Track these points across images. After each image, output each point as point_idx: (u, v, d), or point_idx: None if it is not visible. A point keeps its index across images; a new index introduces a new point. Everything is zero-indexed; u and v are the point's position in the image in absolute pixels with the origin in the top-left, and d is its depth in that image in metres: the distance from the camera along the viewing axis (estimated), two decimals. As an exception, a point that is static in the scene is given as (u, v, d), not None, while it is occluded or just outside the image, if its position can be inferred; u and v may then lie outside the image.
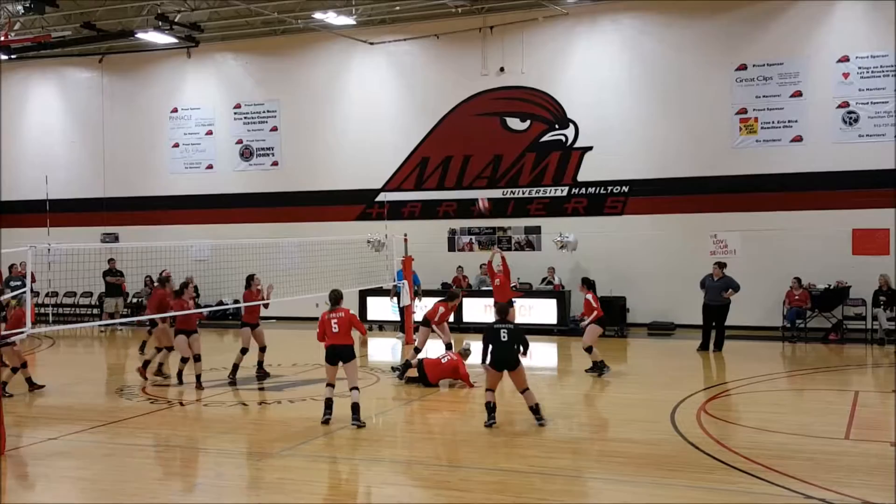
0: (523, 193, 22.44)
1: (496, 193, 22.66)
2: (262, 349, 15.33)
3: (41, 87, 27.60)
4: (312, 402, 12.96)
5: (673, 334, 20.56)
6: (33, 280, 14.15)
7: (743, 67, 20.68)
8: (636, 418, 11.99)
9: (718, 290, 17.81)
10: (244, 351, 15.02)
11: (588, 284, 15.37)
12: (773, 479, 8.71)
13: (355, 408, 11.35)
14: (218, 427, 11.99)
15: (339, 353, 11.53)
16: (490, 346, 11.39)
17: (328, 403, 11.53)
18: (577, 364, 18.31)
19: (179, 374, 14.65)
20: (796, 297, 19.58)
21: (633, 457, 9.88)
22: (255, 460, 10.23)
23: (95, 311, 24.58)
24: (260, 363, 15.36)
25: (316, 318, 21.22)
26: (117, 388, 14.77)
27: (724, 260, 18.69)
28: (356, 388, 11.47)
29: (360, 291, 21.52)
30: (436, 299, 19.96)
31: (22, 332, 14.08)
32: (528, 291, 21.24)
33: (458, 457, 10.11)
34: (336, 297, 11.82)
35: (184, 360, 14.52)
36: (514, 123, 22.54)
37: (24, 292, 13.97)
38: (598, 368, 15.05)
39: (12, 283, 20.16)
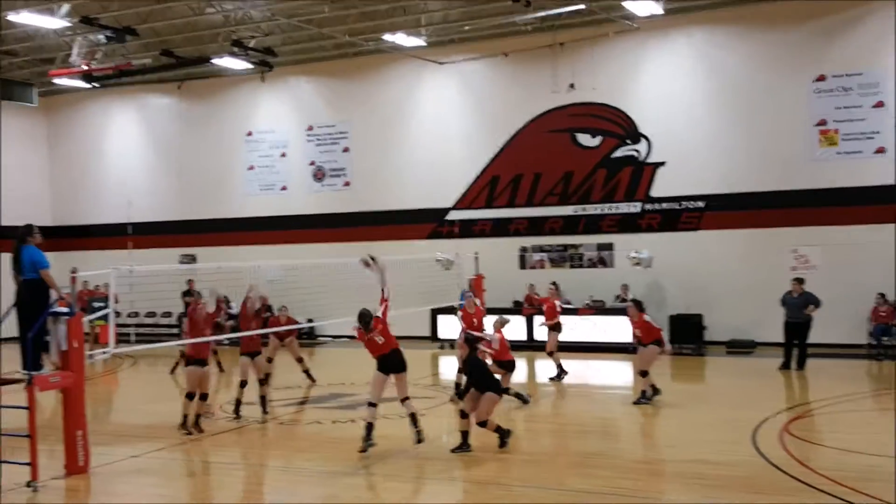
0: (595, 210, 22.22)
1: (567, 210, 22.48)
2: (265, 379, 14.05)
3: (122, 114, 28.49)
4: (385, 420, 12.98)
5: (753, 352, 20.03)
6: (116, 301, 14.56)
7: (822, 78, 20.16)
8: (715, 439, 11.69)
9: (799, 306, 17.31)
10: (244, 384, 13.82)
11: (640, 306, 14.55)
12: (860, 503, 8.37)
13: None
14: (293, 445, 12.10)
15: (394, 361, 11.19)
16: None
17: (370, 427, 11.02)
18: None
19: (238, 404, 13.89)
20: (882, 314, 18.90)
21: (712, 478, 9.61)
22: (330, 479, 10.28)
23: (175, 330, 25.13)
24: (263, 397, 13.93)
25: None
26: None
27: (805, 275, 18.17)
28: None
29: (432, 310, 21.55)
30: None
31: (105, 352, 14.48)
32: (600, 309, 20.97)
33: (531, 476, 9.98)
34: (367, 319, 11.27)
35: (242, 385, 13.76)
36: (585, 140, 22.37)
37: (108, 312, 14.39)
38: (649, 396, 14.14)
39: (95, 304, 20.79)
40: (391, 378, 11.21)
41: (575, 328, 20.77)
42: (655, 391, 14.16)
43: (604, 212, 22.15)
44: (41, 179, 29.12)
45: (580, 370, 18.97)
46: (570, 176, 22.43)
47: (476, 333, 13.81)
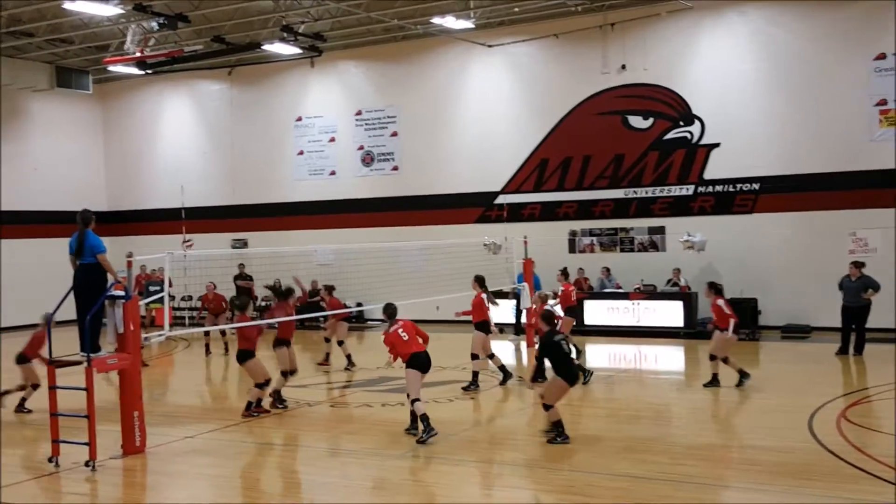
0: (646, 193, 21.94)
1: (618, 193, 22.23)
2: (292, 373, 13.66)
3: (174, 100, 28.87)
4: (435, 403, 13.01)
5: (809, 337, 19.65)
6: (170, 285, 14.80)
7: (882, 56, 19.59)
8: (770, 425, 11.50)
9: (857, 290, 16.91)
10: (285, 374, 13.51)
11: (716, 289, 14.30)
12: (923, 492, 8.17)
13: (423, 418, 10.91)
14: (344, 427, 12.19)
15: (425, 360, 11.06)
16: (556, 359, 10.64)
17: (426, 417, 10.87)
18: (705, 368, 17.78)
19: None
20: (943, 298, 18.39)
21: (768, 465, 9.45)
22: (380, 461, 10.33)
23: (227, 314, 25.45)
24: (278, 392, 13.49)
25: (437, 321, 21.35)
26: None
27: (863, 258, 17.73)
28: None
29: (481, 294, 21.50)
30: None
31: (160, 335, 14.76)
32: (652, 293, 20.75)
33: (582, 461, 9.92)
34: (393, 312, 11.42)
35: (284, 374, 13.50)
36: (637, 122, 22.08)
37: (163, 296, 14.65)
38: (740, 380, 13.91)
39: (151, 288, 21.19)
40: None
41: (626, 312, 20.62)
42: (743, 375, 13.87)
43: (655, 195, 21.86)
44: (96, 165, 29.67)
45: (631, 355, 18.83)
46: (621, 158, 22.17)
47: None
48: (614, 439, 10.87)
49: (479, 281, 14.95)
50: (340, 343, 17.10)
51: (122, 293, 10.51)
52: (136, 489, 9.80)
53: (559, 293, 16.75)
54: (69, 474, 9.85)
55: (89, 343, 10.19)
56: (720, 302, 14.09)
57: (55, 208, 27.12)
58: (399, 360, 11.11)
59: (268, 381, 12.79)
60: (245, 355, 12.58)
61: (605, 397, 14.33)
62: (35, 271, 24.83)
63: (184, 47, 22.04)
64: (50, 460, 10.07)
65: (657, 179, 21.81)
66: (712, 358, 14.10)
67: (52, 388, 10.18)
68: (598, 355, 18.46)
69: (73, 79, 26.48)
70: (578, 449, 10.47)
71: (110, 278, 10.67)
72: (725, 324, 13.85)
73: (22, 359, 13.17)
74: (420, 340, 11.21)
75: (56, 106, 28.23)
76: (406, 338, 11.09)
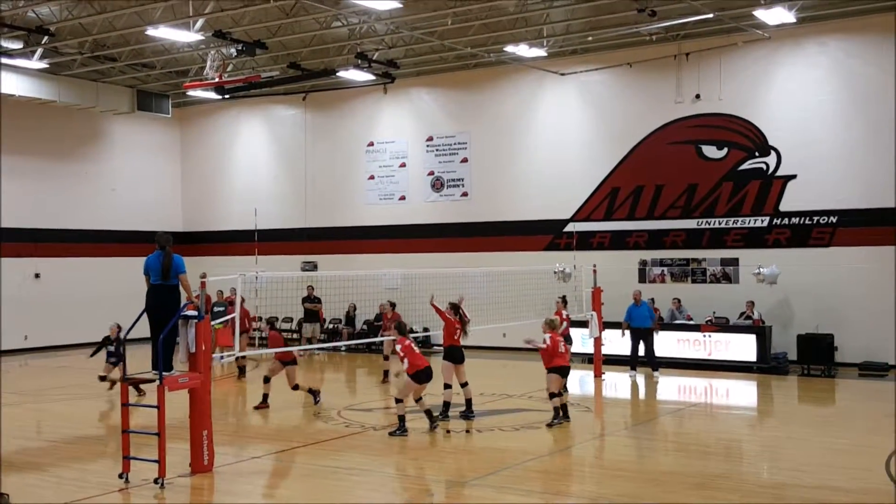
0: (719, 224, 21.54)
1: (690, 224, 21.87)
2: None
3: (250, 125, 29.48)
4: (500, 432, 12.90)
5: (887, 375, 18.96)
6: (243, 306, 15.04)
7: (968, 87, 18.95)
8: (845, 465, 11.10)
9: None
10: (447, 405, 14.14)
11: None
12: None
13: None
14: (408, 453, 12.15)
15: (428, 377, 12.75)
16: None
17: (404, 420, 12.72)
18: (778, 404, 17.30)
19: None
20: None
21: (845, 508, 9.11)
22: (444, 488, 10.26)
23: (295, 335, 25.78)
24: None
25: (503, 348, 21.17)
26: (315, 411, 15.33)
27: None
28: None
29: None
30: (619, 331, 19.56)
31: (231, 355, 14.99)
32: (724, 326, 20.30)
33: (651, 496, 9.69)
34: (404, 329, 13.32)
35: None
36: (711, 151, 21.73)
37: (233, 317, 14.88)
38: None
39: (216, 309, 21.51)
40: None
41: (697, 345, 20.22)
42: None
43: (729, 226, 21.43)
44: (173, 187, 30.43)
45: (702, 388, 18.42)
46: (695, 188, 21.83)
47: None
48: (684, 474, 10.62)
49: (551, 324, 14.29)
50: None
51: (194, 313, 10.68)
52: (202, 508, 9.91)
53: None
54: (138, 491, 10.01)
55: (162, 362, 10.38)
56: None
57: (132, 228, 27.88)
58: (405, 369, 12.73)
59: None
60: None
61: (675, 431, 14.02)
62: (112, 289, 25.48)
63: (261, 73, 22.51)
64: (120, 476, 10.24)
65: (731, 210, 21.39)
66: None
67: (125, 405, 10.38)
68: (667, 388, 18.10)
69: (153, 103, 27.31)
70: (647, 484, 10.24)
71: (183, 298, 10.86)
72: None
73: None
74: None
75: (136, 128, 29.09)
76: (417, 351, 12.91)
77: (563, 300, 18.08)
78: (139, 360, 11.47)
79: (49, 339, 25.61)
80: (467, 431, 13.24)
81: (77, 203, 27.23)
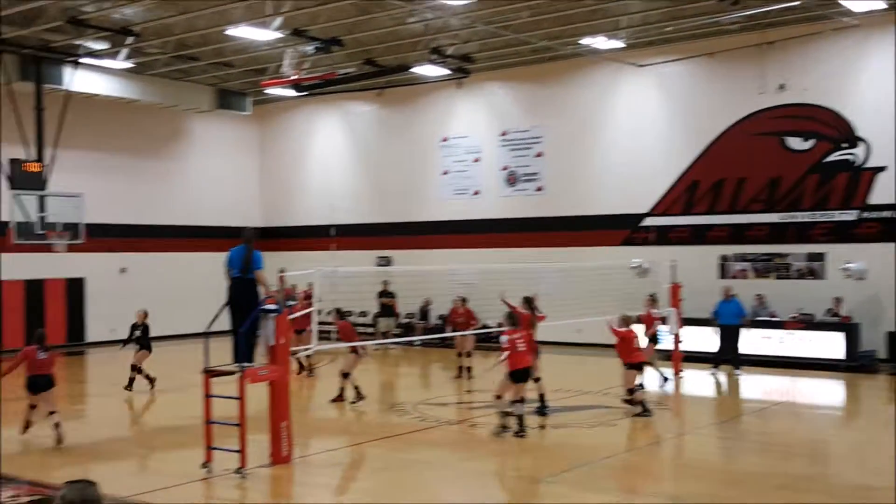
0: (805, 218, 20.88)
1: (774, 218, 21.26)
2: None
3: (326, 121, 29.79)
4: (577, 429, 12.74)
5: (984, 376, 18.13)
6: (306, 299, 15.19)
7: None
8: (942, 469, 10.61)
9: None
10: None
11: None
12: None
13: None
14: (485, 448, 12.09)
15: (526, 376, 12.26)
16: None
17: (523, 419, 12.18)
18: (866, 404, 16.71)
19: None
20: None
21: (942, 514, 8.71)
22: (520, 485, 10.18)
23: (370, 329, 25.99)
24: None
25: (579, 344, 20.95)
26: (390, 405, 15.39)
27: None
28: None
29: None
30: (698, 328, 19.15)
31: (308, 348, 15.17)
32: (809, 323, 19.68)
33: (730, 497, 9.44)
34: (515, 321, 12.65)
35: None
36: (796, 143, 21.07)
37: (309, 311, 15.06)
38: None
39: (289, 303, 21.75)
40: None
41: (781, 342, 19.66)
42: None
43: (815, 219, 20.75)
44: (252, 183, 30.96)
45: (785, 387, 17.91)
46: (778, 181, 21.20)
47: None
48: (766, 475, 10.31)
49: (626, 320, 14.31)
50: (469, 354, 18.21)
51: (274, 307, 10.82)
52: (281, 499, 10.03)
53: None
54: (220, 480, 10.18)
55: (246, 354, 10.54)
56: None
57: (213, 224, 28.48)
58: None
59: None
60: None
61: (757, 431, 13.64)
62: (194, 283, 26.05)
63: (337, 70, 22.71)
64: (203, 466, 10.44)
65: (817, 204, 20.70)
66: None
67: (208, 396, 10.58)
68: (750, 386, 17.65)
69: (233, 101, 27.83)
70: (727, 484, 9.98)
71: (262, 292, 11.00)
72: None
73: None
74: (532, 356, 12.58)
75: (216, 126, 29.69)
76: (522, 349, 12.24)
77: (653, 298, 17.67)
78: (219, 353, 11.64)
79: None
80: (542, 427, 13.11)
81: (160, 199, 27.92)
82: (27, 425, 12.67)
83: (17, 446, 12.31)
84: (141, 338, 17.00)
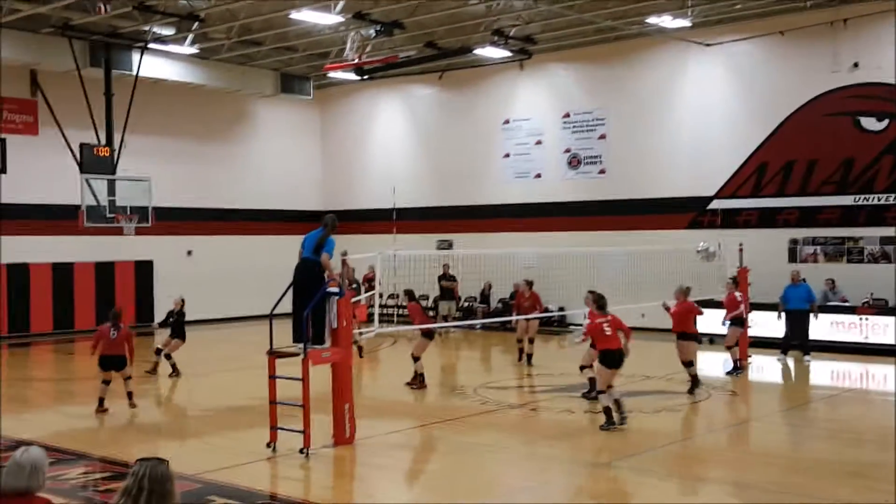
0: (879, 200, 20.24)
1: (846, 200, 20.65)
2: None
3: (387, 105, 29.85)
4: (641, 414, 12.58)
5: None
6: (366, 283, 15.24)
7: None
8: None
9: None
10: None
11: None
12: None
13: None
14: (546, 432, 12.03)
15: (619, 358, 11.62)
16: None
17: (610, 411, 11.59)
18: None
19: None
20: None
21: None
22: (583, 468, 10.10)
23: (431, 313, 26.04)
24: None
25: (642, 328, 20.71)
26: (452, 388, 15.41)
27: None
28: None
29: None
30: (766, 313, 18.71)
31: (370, 331, 15.25)
32: (882, 308, 19.11)
33: (800, 485, 9.22)
34: (603, 304, 12.09)
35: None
36: (870, 123, 20.41)
37: (373, 293, 15.14)
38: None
39: (353, 286, 21.92)
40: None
41: (853, 328, 19.14)
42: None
43: (890, 202, 20.11)
44: (314, 167, 31.22)
45: (857, 374, 17.45)
46: (851, 163, 20.58)
47: None
48: (837, 462, 10.07)
49: (684, 291, 14.75)
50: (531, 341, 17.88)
51: (336, 290, 10.88)
52: (345, 479, 10.12)
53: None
54: (284, 460, 10.32)
55: (314, 335, 10.63)
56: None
57: (276, 207, 28.81)
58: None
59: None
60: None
61: (827, 418, 13.32)
62: (259, 265, 26.41)
63: (398, 53, 22.70)
64: (268, 445, 10.59)
65: (891, 186, 20.06)
66: None
67: (272, 377, 10.71)
68: (819, 373, 17.23)
69: (295, 85, 28.05)
70: (795, 471, 9.76)
71: (326, 275, 11.07)
72: None
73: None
74: (621, 335, 11.72)
75: (279, 110, 29.97)
76: (608, 333, 11.64)
77: (734, 281, 17.24)
78: (283, 336, 11.73)
79: (200, 313, 26.82)
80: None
81: (224, 183, 28.32)
82: (101, 404, 13.02)
83: (89, 422, 12.67)
84: (175, 325, 16.67)
